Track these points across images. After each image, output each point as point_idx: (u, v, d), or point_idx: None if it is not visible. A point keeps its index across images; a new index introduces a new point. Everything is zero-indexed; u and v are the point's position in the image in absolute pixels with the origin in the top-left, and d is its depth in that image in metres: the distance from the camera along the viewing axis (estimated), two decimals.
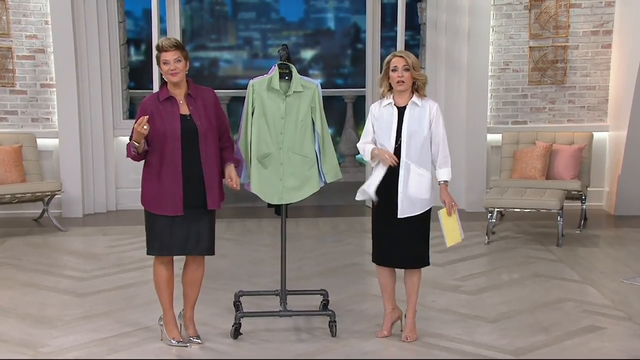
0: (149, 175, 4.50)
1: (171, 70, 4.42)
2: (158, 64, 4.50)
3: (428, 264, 4.78)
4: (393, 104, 4.67)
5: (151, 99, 4.52)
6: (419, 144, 4.61)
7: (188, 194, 4.47)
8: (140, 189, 4.58)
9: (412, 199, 4.62)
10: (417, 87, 4.66)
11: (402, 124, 4.63)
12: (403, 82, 4.60)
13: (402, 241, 4.67)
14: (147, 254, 4.62)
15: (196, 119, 4.49)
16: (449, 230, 4.70)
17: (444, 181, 4.68)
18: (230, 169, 4.59)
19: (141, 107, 4.50)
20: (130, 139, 4.44)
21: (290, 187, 4.86)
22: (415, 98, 4.65)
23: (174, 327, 4.69)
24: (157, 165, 4.45)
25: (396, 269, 4.82)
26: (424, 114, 4.63)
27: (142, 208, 4.58)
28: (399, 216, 4.64)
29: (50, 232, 7.67)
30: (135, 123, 4.41)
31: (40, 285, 5.97)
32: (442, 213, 4.68)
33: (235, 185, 4.57)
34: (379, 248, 4.77)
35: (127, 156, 4.51)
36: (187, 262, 4.68)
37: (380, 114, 4.71)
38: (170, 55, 4.41)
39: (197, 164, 4.48)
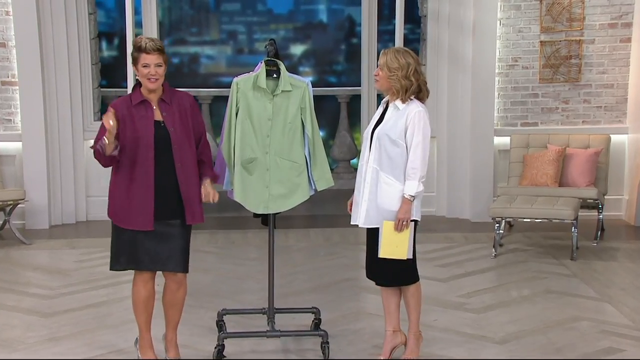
0: (117, 186, 4.48)
1: (151, 74, 4.41)
2: (134, 64, 4.46)
3: (409, 283, 4.68)
4: (386, 102, 4.71)
5: (123, 102, 4.51)
6: (390, 151, 4.55)
7: (160, 207, 4.47)
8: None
9: (380, 210, 4.58)
10: (397, 90, 4.57)
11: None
12: (377, 80, 4.66)
13: (376, 255, 4.61)
14: (111, 269, 4.59)
15: (169, 125, 4.48)
16: (388, 242, 4.53)
17: (407, 195, 4.52)
18: (205, 185, 4.55)
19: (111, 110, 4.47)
20: (95, 142, 4.39)
21: (277, 195, 4.88)
22: (397, 101, 4.60)
23: (150, 351, 4.70)
24: (127, 175, 4.45)
25: None
26: (400, 118, 4.56)
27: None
28: (360, 225, 4.65)
29: (12, 245, 7.66)
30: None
31: (0, 304, 5.95)
32: (386, 224, 4.54)
33: (212, 199, 4.53)
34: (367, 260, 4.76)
35: (95, 157, 4.46)
36: (167, 282, 4.67)
37: (377, 111, 4.79)
38: (152, 59, 4.40)
39: (171, 175, 4.47)
